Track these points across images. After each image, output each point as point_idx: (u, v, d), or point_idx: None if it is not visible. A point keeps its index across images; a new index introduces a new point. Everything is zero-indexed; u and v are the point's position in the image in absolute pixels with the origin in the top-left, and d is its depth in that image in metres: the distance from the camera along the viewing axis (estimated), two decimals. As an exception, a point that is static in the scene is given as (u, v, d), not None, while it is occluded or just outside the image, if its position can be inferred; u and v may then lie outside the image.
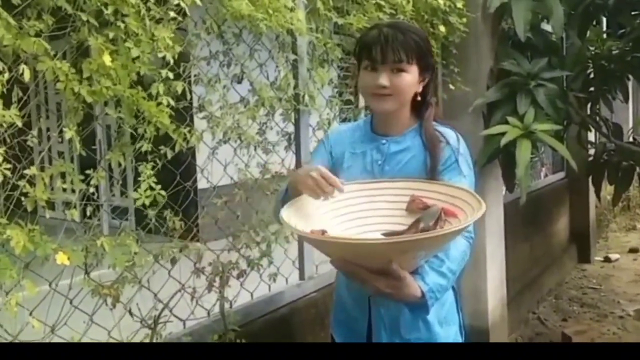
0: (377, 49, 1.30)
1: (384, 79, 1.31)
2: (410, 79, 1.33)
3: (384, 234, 1.23)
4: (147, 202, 1.43)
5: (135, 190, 1.43)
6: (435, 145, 1.35)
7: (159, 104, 1.40)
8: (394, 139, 1.41)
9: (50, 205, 1.25)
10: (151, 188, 1.43)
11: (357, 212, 1.30)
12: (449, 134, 1.39)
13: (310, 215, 1.24)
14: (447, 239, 1.13)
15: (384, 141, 1.41)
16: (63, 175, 1.30)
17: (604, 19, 3.63)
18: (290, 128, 2.06)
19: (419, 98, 1.39)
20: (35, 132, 1.29)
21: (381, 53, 1.30)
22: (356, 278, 1.14)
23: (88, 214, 1.40)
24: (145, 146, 1.41)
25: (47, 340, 1.32)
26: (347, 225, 1.29)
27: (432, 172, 1.34)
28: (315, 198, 1.21)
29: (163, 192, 1.46)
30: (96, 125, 1.61)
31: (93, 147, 4.83)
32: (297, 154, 2.08)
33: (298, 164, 2.06)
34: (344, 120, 2.59)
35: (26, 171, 1.18)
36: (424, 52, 1.34)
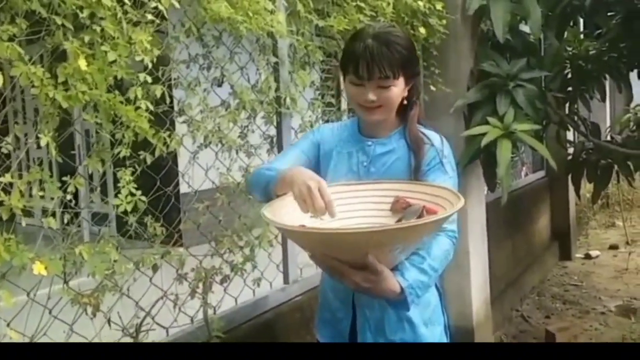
0: (363, 65, 1.28)
1: (371, 95, 1.31)
2: (397, 91, 1.33)
3: None
4: (128, 208, 1.40)
5: (116, 196, 1.41)
6: (420, 147, 1.37)
7: (138, 108, 1.37)
8: (380, 141, 1.42)
9: (28, 212, 1.21)
10: (131, 194, 1.41)
11: (342, 212, 1.30)
12: (434, 136, 1.41)
13: (292, 215, 1.23)
14: (422, 231, 1.12)
15: (369, 143, 1.42)
16: (41, 182, 1.27)
17: (581, 20, 3.68)
18: (272, 131, 2.05)
19: (405, 102, 1.39)
20: (10, 138, 1.26)
21: (367, 70, 1.28)
22: (335, 272, 1.14)
23: (66, 221, 1.37)
24: (124, 151, 1.39)
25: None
26: (331, 226, 1.28)
27: (416, 173, 1.35)
28: (302, 210, 1.17)
29: (144, 198, 1.44)
30: (74, 131, 1.58)
31: (72, 152, 4.77)
32: (280, 157, 2.06)
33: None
34: (326, 122, 2.58)
35: (1, 179, 1.15)
36: (409, 62, 1.33)
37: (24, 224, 1.20)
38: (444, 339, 1.45)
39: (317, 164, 1.47)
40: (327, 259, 1.13)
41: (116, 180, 1.44)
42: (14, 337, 1.18)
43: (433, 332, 1.41)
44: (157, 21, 1.38)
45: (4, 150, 1.24)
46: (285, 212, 1.22)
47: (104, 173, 1.45)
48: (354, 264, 1.11)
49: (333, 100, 2.49)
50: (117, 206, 1.40)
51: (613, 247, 5.96)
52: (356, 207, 1.31)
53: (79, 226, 1.45)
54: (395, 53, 1.29)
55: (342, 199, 1.31)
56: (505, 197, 2.71)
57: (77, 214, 1.44)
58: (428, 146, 1.37)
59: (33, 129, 1.29)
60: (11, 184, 1.17)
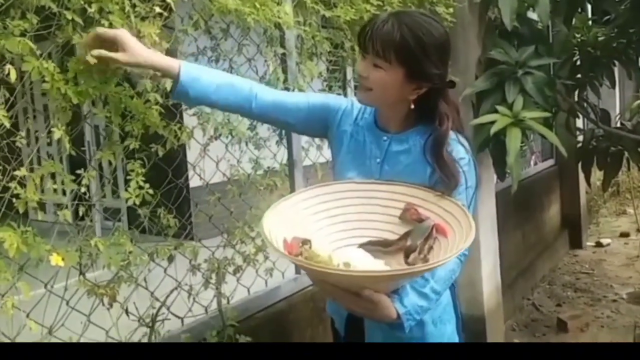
0: (363, 36, 1.22)
1: (362, 69, 1.24)
2: (388, 78, 1.20)
3: (370, 242, 1.20)
4: (137, 201, 1.41)
5: (126, 190, 1.42)
6: (451, 170, 1.22)
7: (147, 101, 1.38)
8: (396, 137, 1.30)
9: (41, 207, 1.23)
10: (140, 187, 1.41)
11: (349, 214, 1.25)
12: (456, 142, 1.27)
13: (297, 218, 1.18)
14: (420, 274, 1.11)
15: (385, 138, 1.31)
16: (53, 176, 1.28)
17: (589, 6, 3.64)
18: (281, 123, 2.05)
19: (412, 106, 1.26)
20: (23, 133, 1.27)
21: (364, 42, 1.22)
22: (330, 295, 1.12)
23: (80, 214, 1.39)
24: (134, 144, 1.40)
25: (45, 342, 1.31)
26: (337, 228, 1.23)
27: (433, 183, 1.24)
28: None
29: (151, 191, 1.43)
30: (85, 125, 1.60)
31: (82, 148, 4.81)
32: (289, 148, 2.07)
33: (290, 158, 2.06)
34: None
35: (16, 172, 1.17)
36: (412, 56, 1.18)
37: (39, 217, 1.21)
38: (454, 339, 1.36)
39: (324, 128, 1.39)
40: (322, 282, 1.10)
41: (128, 174, 1.45)
42: (33, 328, 1.20)
43: (442, 331, 1.33)
44: (165, 14, 1.39)
45: (18, 145, 1.25)
46: (280, 220, 1.14)
47: (115, 167, 1.46)
48: (349, 291, 1.07)
49: (341, 92, 2.50)
50: (128, 199, 1.41)
51: (624, 234, 5.92)
52: (366, 209, 1.24)
53: (91, 220, 1.46)
54: (397, 37, 1.16)
55: (351, 199, 1.25)
56: (515, 186, 2.69)
57: (90, 208, 1.46)
58: (460, 174, 1.23)
59: (44, 124, 1.30)
60: (25, 178, 1.18)
